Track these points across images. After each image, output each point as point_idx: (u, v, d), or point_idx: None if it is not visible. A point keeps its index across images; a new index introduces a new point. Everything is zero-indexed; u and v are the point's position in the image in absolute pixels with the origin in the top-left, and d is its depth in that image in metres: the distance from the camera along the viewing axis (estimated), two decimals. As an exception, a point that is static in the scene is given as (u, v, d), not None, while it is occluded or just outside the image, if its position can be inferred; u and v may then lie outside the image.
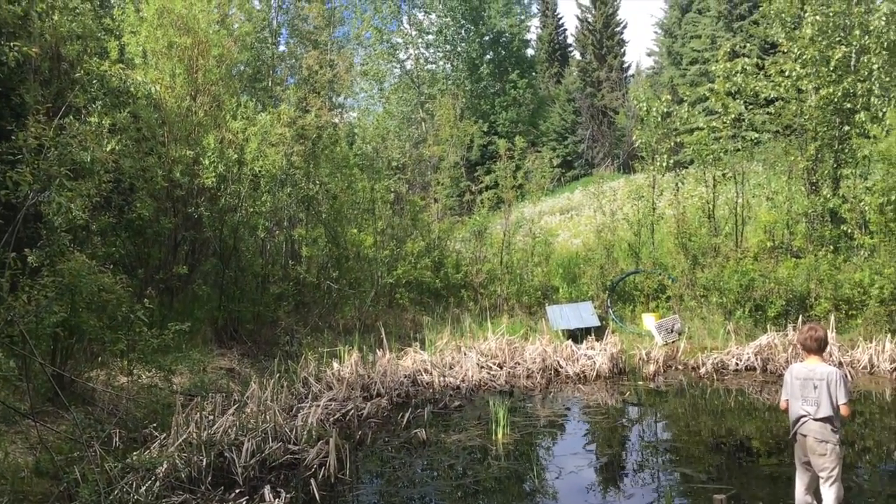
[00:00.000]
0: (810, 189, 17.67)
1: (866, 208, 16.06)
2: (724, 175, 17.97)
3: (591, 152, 60.69)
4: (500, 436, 10.34)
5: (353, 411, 11.26)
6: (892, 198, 15.54)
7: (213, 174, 13.48)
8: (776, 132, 19.79)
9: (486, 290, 17.22)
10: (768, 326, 14.69)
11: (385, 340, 13.97)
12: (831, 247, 16.09)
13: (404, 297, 16.57)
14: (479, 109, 46.86)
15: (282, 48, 24.16)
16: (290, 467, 9.20)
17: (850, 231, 16.25)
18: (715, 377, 13.46)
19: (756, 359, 13.63)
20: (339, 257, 16.32)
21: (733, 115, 17.81)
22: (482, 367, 13.75)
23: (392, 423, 11.28)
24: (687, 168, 19.17)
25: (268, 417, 9.66)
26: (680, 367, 14.12)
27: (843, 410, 6.41)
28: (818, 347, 6.62)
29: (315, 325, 15.21)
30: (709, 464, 9.38)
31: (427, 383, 13.10)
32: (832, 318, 14.15)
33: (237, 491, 8.23)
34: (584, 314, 15.87)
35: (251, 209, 14.43)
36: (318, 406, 10.65)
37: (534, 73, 54.60)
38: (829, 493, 6.38)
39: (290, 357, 13.24)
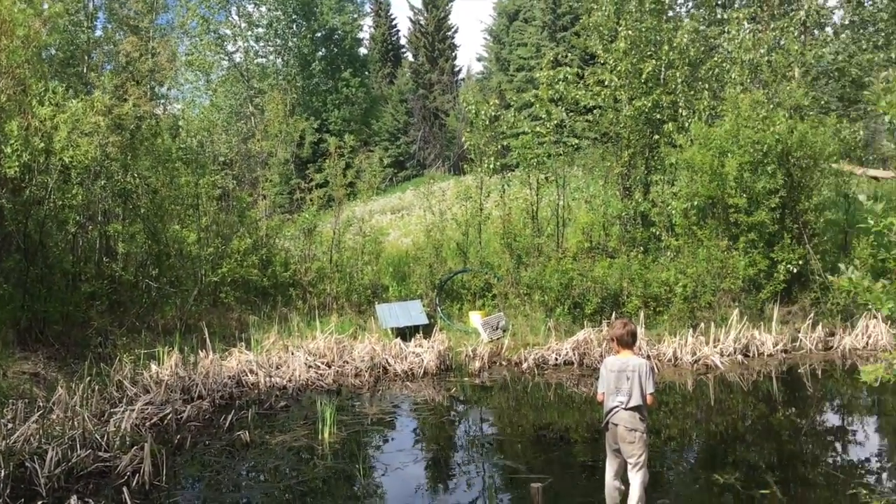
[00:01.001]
0: (624, 193, 18.82)
1: (673, 212, 17.30)
2: (546, 178, 18.73)
3: (423, 153, 61.54)
4: (326, 435, 10.22)
5: (171, 415, 10.76)
6: (695, 203, 16.86)
7: (16, 163, 12.45)
8: (594, 139, 20.96)
9: (316, 289, 16.99)
10: (585, 322, 15.45)
11: (208, 341, 13.45)
12: (642, 248, 17.20)
13: (230, 295, 16.03)
14: (310, 106, 46.19)
15: (98, 33, 22.70)
16: (100, 475, 8.66)
17: (658, 233, 17.45)
18: (536, 372, 13.99)
19: (574, 354, 14.30)
20: (159, 254, 15.53)
21: (556, 122, 18.62)
22: (310, 366, 13.55)
23: (214, 425, 10.88)
24: (513, 171, 19.83)
25: (76, 423, 9.05)
26: (504, 362, 14.57)
27: (650, 400, 6.85)
28: (633, 341, 7.04)
29: (132, 326, 14.39)
30: (530, 456, 9.73)
31: (252, 384, 12.74)
32: (642, 315, 15.10)
33: (40, 503, 7.64)
34: (413, 312, 16.01)
35: (60, 202, 13.44)
36: (133, 410, 10.09)
37: (367, 73, 54.51)
38: (637, 477, 6.79)
39: (103, 360, 12.45)
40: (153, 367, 12.34)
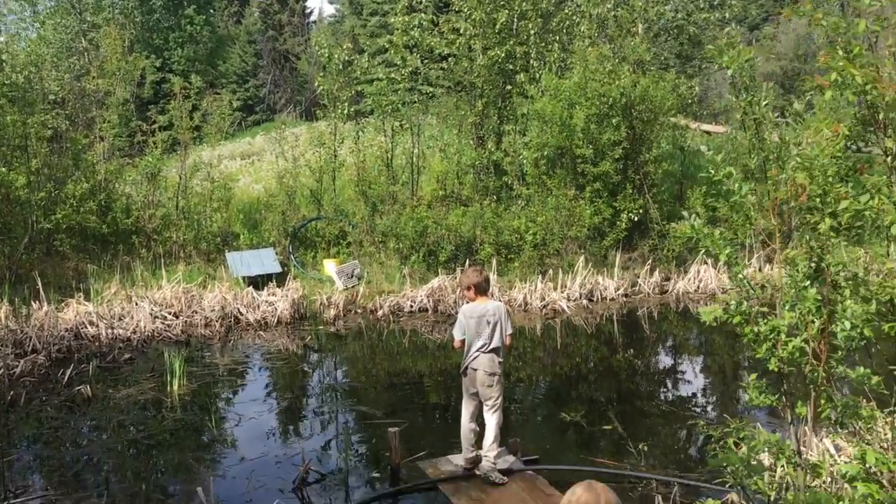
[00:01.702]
0: (477, 143, 19.05)
1: (524, 162, 17.71)
2: (401, 125, 18.65)
3: (273, 97, 59.61)
4: (175, 387, 9.88)
5: (2, 370, 10.04)
6: (545, 153, 17.32)
7: None
8: (449, 87, 20.99)
9: (161, 237, 16.20)
10: (440, 270, 15.64)
11: (42, 291, 12.61)
12: (494, 196, 17.52)
13: (65, 243, 15.00)
14: (151, 44, 43.44)
15: None
16: (-79, 438, 7.99)
17: (510, 182, 17.82)
18: (391, 319, 14.09)
19: (429, 300, 14.48)
20: (-18, 199, 14.31)
21: (410, 69, 18.49)
22: (156, 317, 13.00)
23: (51, 380, 10.27)
24: (367, 118, 19.60)
25: None
26: (359, 310, 14.55)
27: (508, 341, 7.04)
28: (489, 287, 7.18)
29: (-48, 277, 13.27)
30: (385, 402, 9.83)
31: (93, 336, 12.10)
32: (494, 262, 15.46)
33: None
34: (265, 261, 15.63)
35: None
36: (-42, 367, 9.34)
37: (212, 11, 51.83)
38: (493, 419, 6.98)
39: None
40: (-22, 320, 11.46)
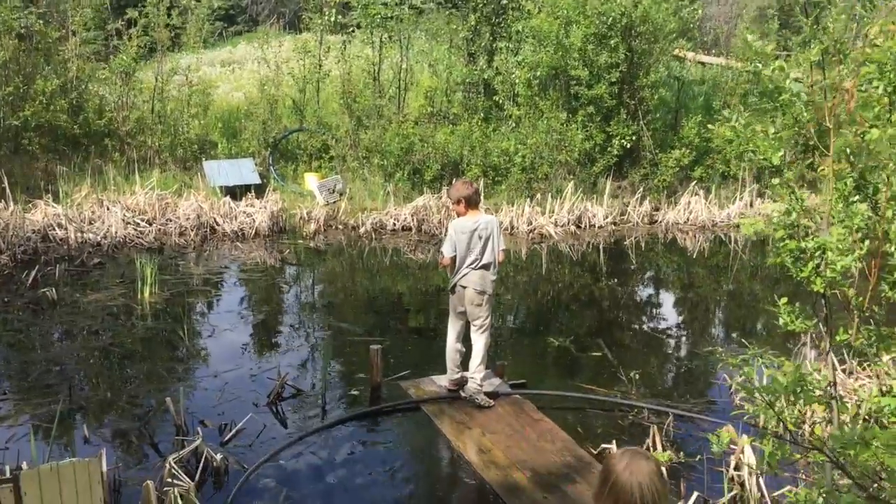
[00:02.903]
0: (468, 60, 18.29)
1: (516, 81, 17.04)
2: (390, 38, 17.85)
3: (256, 7, 57.66)
4: (146, 295, 9.44)
5: (-38, 269, 9.55)
6: (538, 73, 16.66)
7: None
8: (440, 2, 20.10)
9: (135, 141, 15.47)
10: (425, 189, 15.15)
11: (8, 190, 12.00)
12: (483, 116, 16.89)
13: (34, 142, 14.28)
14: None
15: None
16: None
17: (501, 102, 17.17)
18: (374, 237, 13.64)
19: (413, 219, 14.02)
20: (-55, 92, 13.51)
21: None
22: (128, 223, 12.47)
23: (15, 281, 9.81)
24: (352, 31, 18.68)
25: None
26: (340, 226, 14.08)
27: (501, 257, 6.64)
28: (479, 199, 6.73)
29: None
30: (365, 320, 9.49)
31: (61, 239, 11.58)
32: (482, 183, 14.96)
33: None
34: (244, 171, 15.03)
35: None
36: (-86, 263, 8.82)
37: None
38: (480, 340, 6.63)
39: None
40: (-61, 217, 10.89)
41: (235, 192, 14.21)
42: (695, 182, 16.68)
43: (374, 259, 12.55)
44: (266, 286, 10.89)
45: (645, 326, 9.82)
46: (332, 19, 17.25)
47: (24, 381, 7.05)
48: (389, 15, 17.41)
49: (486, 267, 6.54)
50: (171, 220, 12.89)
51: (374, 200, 14.91)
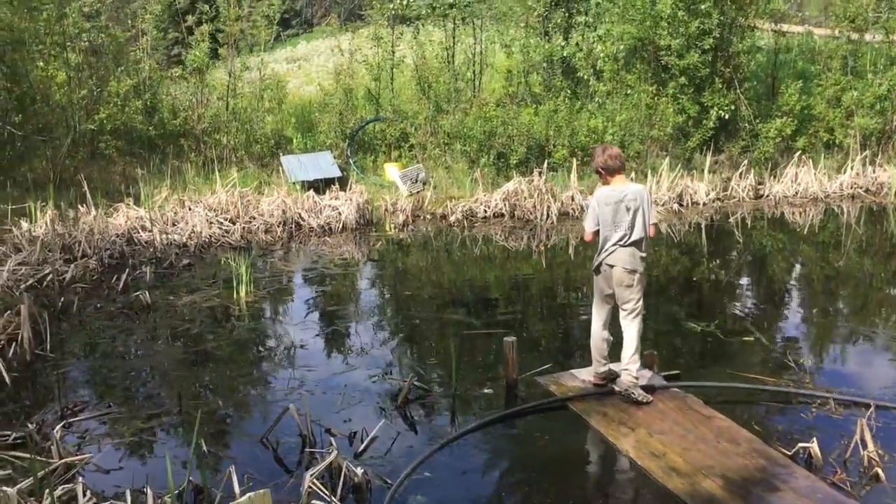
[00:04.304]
0: (544, 38, 17.39)
1: (599, 56, 16.08)
2: (463, 20, 17.10)
3: (310, 10, 57.53)
4: (243, 294, 8.85)
5: (51, 276, 9.10)
6: (623, 46, 15.70)
7: None
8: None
9: (211, 139, 15.04)
10: (511, 174, 14.33)
11: (89, 195, 11.59)
12: (569, 93, 15.98)
13: (110, 146, 13.93)
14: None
15: None
16: (-33, 347, 7.05)
17: (585, 77, 16.22)
18: (465, 225, 12.88)
19: (504, 205, 13.23)
20: (21, 97, 13.18)
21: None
22: (212, 222, 11.95)
23: (105, 287, 9.31)
24: (417, 21, 17.89)
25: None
26: (428, 216, 13.35)
27: (652, 231, 5.81)
28: (622, 165, 5.90)
29: (-6, 181, 12.30)
30: (478, 312, 8.71)
31: (146, 242, 11.10)
32: (574, 165, 14.08)
33: None
34: (323, 164, 14.44)
35: None
36: (3, 270, 8.37)
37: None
38: (632, 326, 5.80)
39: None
40: (24, 224, 10.49)
41: (318, 187, 13.62)
42: (798, 153, 15.51)
43: (471, 248, 11.80)
44: (362, 280, 10.26)
45: (790, 308, 8.84)
46: (404, 3, 16.56)
47: (128, 391, 6.48)
48: (452, 3, 16.73)
49: (636, 244, 5.71)
50: (254, 218, 12.35)
51: (459, 188, 14.16)
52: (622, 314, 5.86)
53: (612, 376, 6.09)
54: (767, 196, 14.71)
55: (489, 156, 14.66)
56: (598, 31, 16.52)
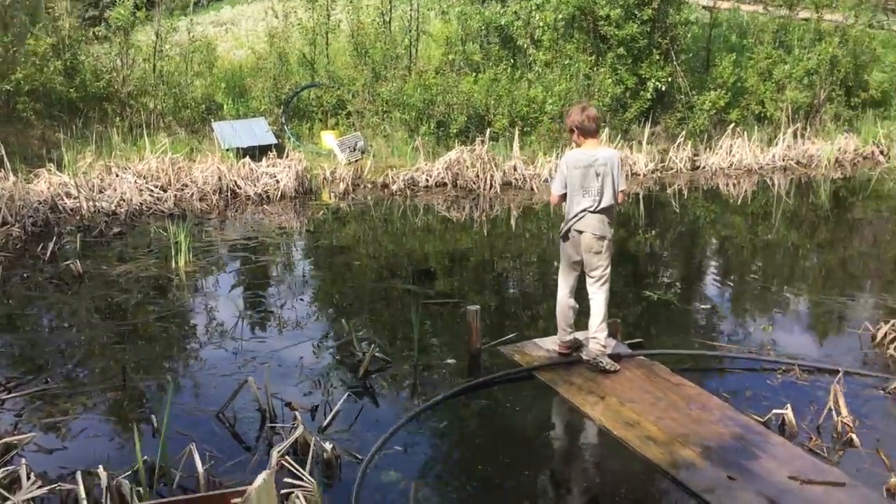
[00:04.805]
0: (482, 5, 17.12)
1: (539, 25, 15.91)
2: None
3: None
4: (182, 264, 8.41)
5: (-29, 245, 8.47)
6: (561, 14, 15.57)
7: None
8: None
9: (137, 104, 14.29)
10: (451, 143, 14.10)
11: (6, 160, 10.87)
12: (508, 62, 15.79)
13: (28, 108, 13.06)
14: None
15: None
16: None
17: (524, 46, 16.05)
18: (407, 194, 12.62)
19: (447, 174, 13.00)
20: (-73, 55, 12.25)
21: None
22: (142, 189, 11.37)
23: (30, 256, 8.73)
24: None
25: None
26: (369, 185, 13.03)
27: (621, 198, 5.69)
28: (597, 128, 5.75)
29: None
30: (432, 281, 8.51)
31: (72, 209, 10.50)
32: (516, 133, 13.94)
33: None
34: (258, 131, 13.90)
35: None
36: (-82, 238, 7.73)
37: None
38: (600, 294, 5.69)
39: None
40: (-65, 189, 9.77)
41: (253, 154, 13.10)
42: (731, 125, 15.74)
43: (414, 217, 11.55)
44: (305, 250, 9.92)
45: (737, 277, 8.92)
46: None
47: (66, 366, 6.04)
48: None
49: (605, 210, 5.58)
50: (187, 185, 11.82)
51: (400, 157, 13.87)
52: (590, 281, 5.74)
53: (578, 345, 5.99)
54: (704, 168, 14.90)
55: (429, 124, 14.37)
56: (537, 0, 16.35)
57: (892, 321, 6.35)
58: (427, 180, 13.00)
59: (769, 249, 10.21)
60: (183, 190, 11.70)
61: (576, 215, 5.60)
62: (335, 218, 11.54)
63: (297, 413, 4.96)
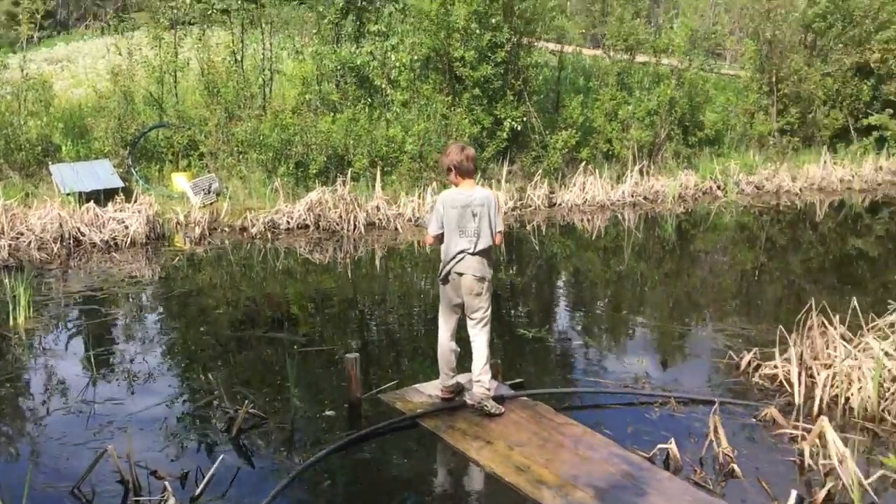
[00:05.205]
0: (336, 45, 17.03)
1: (395, 65, 15.98)
2: (251, 22, 16.32)
3: (64, 12, 52.90)
4: (21, 320, 7.65)
5: None
6: (418, 56, 15.72)
7: None
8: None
9: (-38, 146, 13.12)
10: (310, 184, 13.81)
11: None
12: (367, 102, 15.72)
13: None
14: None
15: None
16: None
17: (381, 87, 16.05)
18: (268, 237, 12.18)
19: (309, 216, 12.67)
20: None
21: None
22: (-30, 239, 10.37)
23: None
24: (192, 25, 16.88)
25: None
26: (227, 229, 12.50)
27: (499, 240, 5.63)
28: (475, 168, 5.69)
29: None
30: (301, 328, 8.16)
31: None
32: (378, 173, 13.83)
33: None
34: (101, 174, 13.05)
35: None
36: None
37: None
38: (482, 335, 5.60)
39: None
40: None
41: (98, 198, 12.28)
42: (583, 163, 16.35)
43: (279, 260, 11.15)
44: (161, 299, 9.28)
45: (600, 309, 9.14)
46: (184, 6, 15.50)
47: None
48: (225, 7, 16.02)
49: (484, 252, 5.51)
50: (23, 234, 10.91)
51: (259, 199, 13.43)
52: (471, 323, 5.64)
53: (461, 389, 5.86)
54: (560, 204, 15.35)
55: (288, 165, 14.03)
56: (392, 41, 16.44)
57: (754, 349, 6.63)
58: (288, 222, 12.62)
59: (624, 282, 10.58)
60: (19, 239, 10.81)
61: (454, 257, 5.50)
62: (191, 264, 10.95)
63: (165, 482, 4.52)
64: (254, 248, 11.72)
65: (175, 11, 15.82)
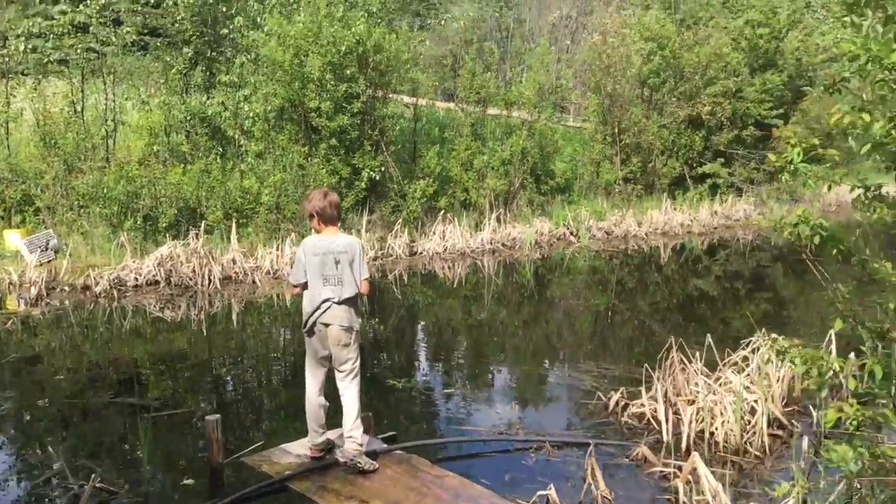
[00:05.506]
0: (185, 95, 16.49)
1: (248, 115, 15.62)
2: (92, 72, 15.53)
3: None
4: None
5: None
6: (272, 106, 15.45)
7: None
8: (147, 32, 18.03)
9: None
10: (160, 238, 13.14)
11: None
12: (219, 154, 15.23)
13: None
14: None
15: None
16: None
17: (235, 137, 15.62)
18: (114, 295, 11.40)
19: (160, 271, 11.98)
20: None
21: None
22: None
23: None
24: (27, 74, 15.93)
25: None
26: (67, 288, 11.59)
27: (365, 287, 5.42)
28: (338, 215, 5.48)
29: None
30: (152, 391, 7.59)
31: None
32: (233, 226, 13.33)
33: None
34: (-81, 232, 11.90)
35: None
36: None
37: None
38: (351, 389, 5.35)
39: None
40: None
41: (-85, 259, 11.13)
42: (441, 212, 16.49)
43: (126, 319, 10.39)
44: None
45: (466, 357, 9.07)
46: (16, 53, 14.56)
47: None
48: (63, 57, 15.29)
49: (349, 300, 5.31)
50: None
51: (102, 255, 12.61)
52: (339, 376, 5.39)
53: (331, 446, 5.58)
54: (421, 252, 15.36)
55: (135, 219, 13.30)
56: (244, 91, 16.06)
57: (620, 389, 6.73)
58: (136, 279, 11.89)
59: (487, 328, 10.63)
60: None
61: (319, 307, 5.26)
62: (25, 328, 10.03)
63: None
64: (98, 307, 10.92)
65: (6, 60, 14.86)
